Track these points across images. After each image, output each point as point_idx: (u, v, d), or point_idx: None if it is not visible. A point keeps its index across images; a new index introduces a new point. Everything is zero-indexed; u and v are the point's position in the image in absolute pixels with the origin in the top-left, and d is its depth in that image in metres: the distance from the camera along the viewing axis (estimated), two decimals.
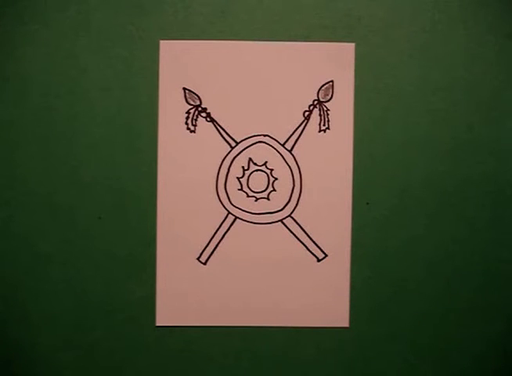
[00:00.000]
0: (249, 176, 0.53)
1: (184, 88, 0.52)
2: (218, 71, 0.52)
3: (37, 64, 0.52)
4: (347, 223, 0.53)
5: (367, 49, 0.52)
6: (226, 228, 0.53)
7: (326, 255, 0.53)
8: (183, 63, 0.52)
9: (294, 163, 0.53)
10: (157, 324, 0.53)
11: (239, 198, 0.53)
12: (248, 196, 0.53)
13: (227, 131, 0.53)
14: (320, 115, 0.53)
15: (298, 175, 0.53)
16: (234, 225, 0.53)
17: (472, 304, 0.53)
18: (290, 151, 0.53)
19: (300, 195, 0.53)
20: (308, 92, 0.53)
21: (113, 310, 0.53)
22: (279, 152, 0.53)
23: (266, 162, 0.53)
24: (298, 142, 0.53)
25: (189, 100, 0.52)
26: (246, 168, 0.53)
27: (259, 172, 0.53)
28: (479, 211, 0.53)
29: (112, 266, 0.53)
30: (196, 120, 0.53)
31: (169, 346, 0.53)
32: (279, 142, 0.53)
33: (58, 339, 0.53)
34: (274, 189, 0.53)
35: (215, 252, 0.53)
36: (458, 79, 0.52)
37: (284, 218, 0.53)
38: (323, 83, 0.53)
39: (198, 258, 0.53)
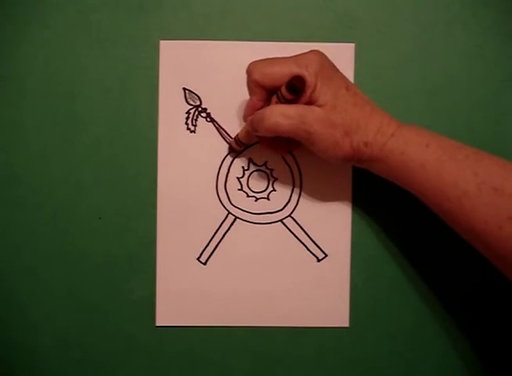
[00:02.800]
0: (249, 176, 0.53)
1: (184, 88, 0.52)
2: (218, 71, 0.52)
3: (37, 64, 0.52)
4: (347, 223, 0.53)
5: (367, 49, 0.52)
6: (226, 228, 0.53)
7: (326, 255, 0.53)
8: (183, 63, 0.52)
9: (294, 163, 0.53)
10: (157, 324, 0.53)
11: (239, 198, 0.53)
12: (248, 196, 0.53)
13: (227, 131, 0.53)
14: None
15: (298, 175, 0.53)
16: (234, 225, 0.53)
17: (473, 304, 0.53)
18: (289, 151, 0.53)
19: (300, 195, 0.53)
20: None
21: (112, 310, 0.53)
22: None
23: (266, 162, 0.53)
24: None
25: (189, 100, 0.52)
26: (246, 168, 0.53)
27: (259, 172, 0.53)
28: None
29: (112, 266, 0.53)
30: (196, 120, 0.53)
31: (169, 346, 0.53)
32: None
33: (57, 339, 0.53)
34: (274, 189, 0.53)
35: (215, 252, 0.53)
36: (458, 79, 0.53)
37: (284, 218, 0.53)
38: None
39: (198, 258, 0.53)
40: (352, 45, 0.52)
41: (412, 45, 0.52)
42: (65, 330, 0.53)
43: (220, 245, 0.53)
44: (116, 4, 0.52)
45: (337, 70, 0.47)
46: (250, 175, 0.53)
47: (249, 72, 0.46)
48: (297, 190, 0.53)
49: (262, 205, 0.53)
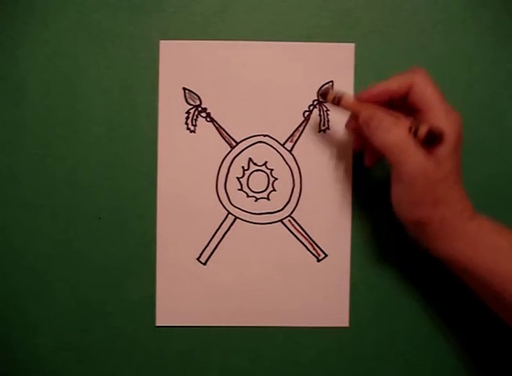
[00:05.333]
0: (249, 176, 0.53)
1: (184, 88, 0.52)
2: (218, 71, 0.52)
3: (37, 64, 0.52)
4: (347, 223, 0.53)
5: (367, 49, 0.52)
6: (226, 228, 0.53)
7: (326, 255, 0.53)
8: (183, 63, 0.52)
9: (294, 163, 0.53)
10: (157, 324, 0.53)
11: (239, 198, 0.53)
12: (248, 196, 0.53)
13: (227, 131, 0.53)
14: (320, 115, 0.53)
15: (298, 175, 0.53)
16: (234, 225, 0.53)
17: (472, 304, 0.53)
18: (290, 151, 0.53)
19: (300, 195, 0.53)
20: (308, 92, 0.53)
21: (112, 310, 0.53)
22: (279, 152, 0.53)
23: (266, 162, 0.53)
24: (298, 142, 0.53)
25: (189, 100, 0.53)
26: (246, 168, 0.53)
27: (259, 172, 0.53)
28: (479, 211, 0.53)
29: (112, 266, 0.53)
30: (196, 120, 0.53)
31: (169, 346, 0.53)
32: (279, 142, 0.53)
33: (57, 339, 0.53)
34: (274, 189, 0.53)
35: (215, 252, 0.53)
36: (458, 79, 0.53)
37: (284, 218, 0.53)
38: (323, 83, 0.53)
39: (198, 258, 0.53)
40: (352, 45, 0.52)
41: (412, 45, 0.52)
42: (65, 330, 0.53)
43: (220, 245, 0.53)
44: (116, 4, 0.52)
45: (461, 144, 0.45)
46: (250, 175, 0.53)
47: (418, 69, 0.45)
48: (297, 190, 0.53)
49: (262, 205, 0.53)
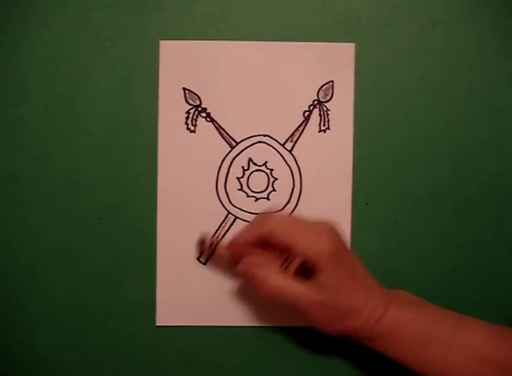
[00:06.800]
0: (249, 176, 0.53)
1: (184, 88, 0.52)
2: (218, 71, 0.52)
3: (37, 64, 0.52)
4: (347, 223, 0.53)
5: (367, 49, 0.52)
6: (226, 228, 0.53)
7: None
8: (183, 63, 0.52)
9: (294, 163, 0.53)
10: (157, 324, 0.53)
11: (239, 198, 0.53)
12: (248, 196, 0.53)
13: (227, 131, 0.53)
14: (320, 115, 0.53)
15: (298, 175, 0.53)
16: (234, 225, 0.53)
17: (472, 304, 0.53)
18: (290, 151, 0.53)
19: (300, 195, 0.53)
20: (308, 92, 0.53)
21: (112, 310, 0.53)
22: (279, 152, 0.53)
23: (266, 162, 0.53)
24: (298, 142, 0.53)
25: (189, 100, 0.52)
26: (246, 168, 0.53)
27: (259, 172, 0.53)
28: (480, 211, 0.53)
29: (112, 266, 0.53)
30: (196, 120, 0.53)
31: (169, 346, 0.53)
32: (279, 142, 0.53)
33: (57, 339, 0.53)
34: (274, 189, 0.53)
35: (215, 252, 0.53)
36: (458, 79, 0.52)
37: None
38: (323, 83, 0.53)
39: (198, 258, 0.53)
40: (352, 45, 0.52)
41: (412, 45, 0.52)
42: (65, 330, 0.53)
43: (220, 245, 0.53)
44: (116, 4, 0.52)
45: (346, 252, 0.46)
46: (250, 175, 0.53)
47: (266, 221, 0.46)
48: (297, 190, 0.53)
49: (262, 205, 0.53)
